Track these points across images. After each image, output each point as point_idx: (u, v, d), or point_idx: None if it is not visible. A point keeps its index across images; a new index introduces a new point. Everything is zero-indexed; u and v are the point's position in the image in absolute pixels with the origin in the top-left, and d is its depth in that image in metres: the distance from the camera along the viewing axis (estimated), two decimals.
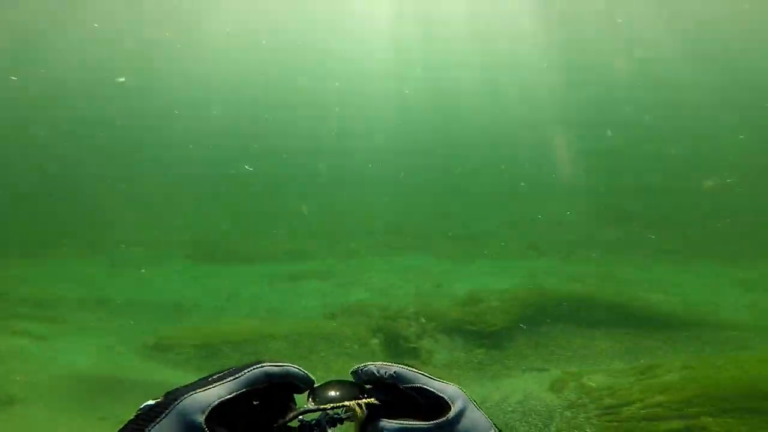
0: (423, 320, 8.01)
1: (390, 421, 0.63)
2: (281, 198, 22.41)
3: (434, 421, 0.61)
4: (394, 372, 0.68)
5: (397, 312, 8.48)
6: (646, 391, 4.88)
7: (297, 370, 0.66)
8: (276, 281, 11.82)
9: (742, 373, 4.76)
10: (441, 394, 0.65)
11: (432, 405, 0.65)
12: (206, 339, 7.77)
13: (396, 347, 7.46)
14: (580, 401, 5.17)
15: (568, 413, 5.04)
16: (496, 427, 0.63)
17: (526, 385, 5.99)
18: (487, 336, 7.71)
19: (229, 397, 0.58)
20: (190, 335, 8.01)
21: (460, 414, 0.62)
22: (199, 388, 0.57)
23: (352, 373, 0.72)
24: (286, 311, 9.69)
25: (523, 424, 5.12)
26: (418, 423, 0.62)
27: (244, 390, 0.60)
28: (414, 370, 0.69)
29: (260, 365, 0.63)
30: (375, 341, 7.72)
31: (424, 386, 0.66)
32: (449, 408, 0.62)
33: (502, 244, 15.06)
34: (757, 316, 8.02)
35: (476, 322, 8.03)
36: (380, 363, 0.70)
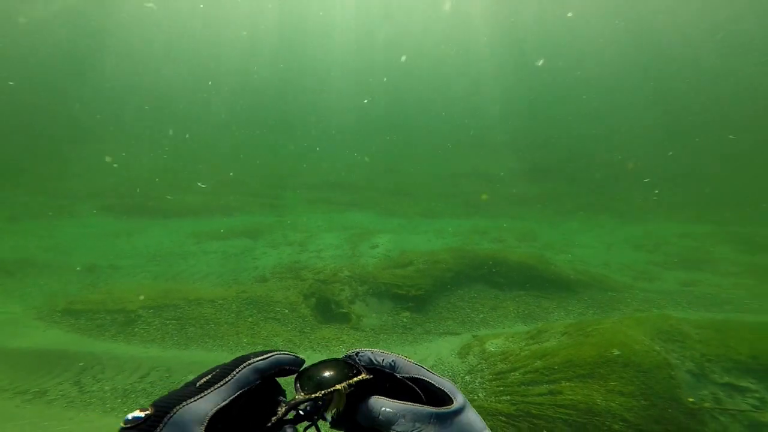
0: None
1: (389, 400, 0.60)
2: (212, 150, 20.82)
3: (438, 408, 0.59)
4: (393, 361, 0.66)
5: (332, 275, 8.36)
6: (530, 357, 5.25)
7: (284, 355, 0.64)
8: (203, 240, 11.05)
9: (601, 339, 5.12)
10: (441, 387, 0.63)
11: (430, 397, 0.62)
12: (122, 304, 7.19)
13: (327, 312, 7.43)
14: (479, 366, 5.52)
15: (467, 377, 5.39)
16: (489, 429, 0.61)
17: (439, 350, 6.32)
18: (413, 299, 7.90)
19: (224, 404, 0.55)
20: (105, 300, 7.39)
21: (462, 409, 0.60)
22: (191, 397, 0.53)
23: (346, 357, 0.68)
24: (212, 273, 9.14)
25: None
26: (419, 406, 0.59)
27: (239, 393, 0.57)
28: (412, 362, 0.66)
29: (248, 363, 0.60)
30: (306, 307, 7.55)
31: (424, 378, 0.64)
32: (451, 401, 0.61)
33: (438, 202, 15.53)
34: (635, 276, 9.16)
35: (405, 285, 8.14)
36: (377, 350, 0.68)
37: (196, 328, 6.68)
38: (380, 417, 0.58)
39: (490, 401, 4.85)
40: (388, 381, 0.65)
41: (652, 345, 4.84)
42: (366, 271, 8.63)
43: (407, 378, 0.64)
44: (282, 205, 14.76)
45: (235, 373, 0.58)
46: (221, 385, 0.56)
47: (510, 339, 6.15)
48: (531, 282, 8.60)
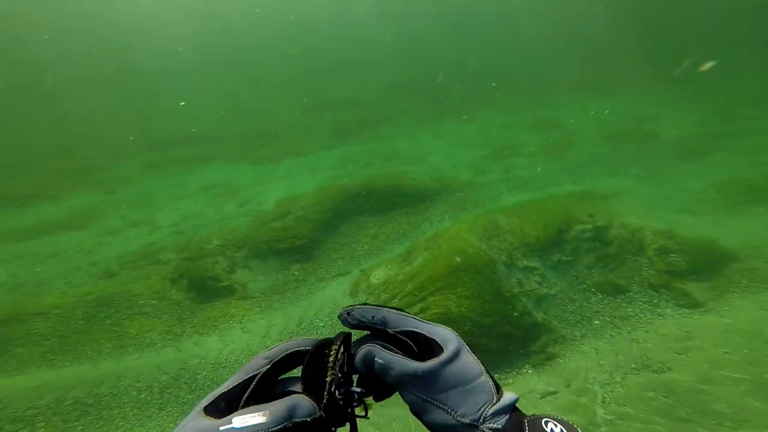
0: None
1: (380, 349, 0.60)
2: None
3: (426, 362, 0.57)
4: (383, 316, 0.65)
5: (199, 249, 7.49)
6: (404, 281, 5.92)
7: (292, 341, 0.64)
8: (14, 239, 8.72)
9: (448, 249, 5.84)
10: (432, 337, 0.61)
11: (424, 349, 0.61)
12: None
13: (204, 291, 6.81)
14: (367, 301, 5.90)
15: None
16: (489, 374, 0.58)
17: (333, 294, 6.42)
18: (300, 250, 7.72)
19: (227, 389, 0.57)
20: None
21: (453, 357, 0.58)
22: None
23: (338, 317, 0.68)
24: (28, 283, 7.34)
25: (333, 335, 5.93)
26: (407, 359, 0.59)
27: (248, 377, 0.59)
28: (403, 313, 0.65)
29: (258, 355, 0.62)
30: (178, 291, 6.69)
31: (415, 329, 0.62)
32: (441, 351, 0.59)
33: (307, 137, 14.96)
34: (474, 172, 10.97)
35: (287, 238, 7.80)
36: (368, 306, 0.67)
37: (29, 348, 5.66)
38: (375, 367, 0.60)
39: None
40: (379, 337, 0.64)
41: (481, 245, 6.13)
42: (240, 233, 7.99)
43: (399, 332, 0.63)
44: (112, 179, 12.22)
45: (242, 367, 0.60)
46: (226, 381, 0.58)
47: (389, 266, 6.56)
48: (400, 200, 9.19)
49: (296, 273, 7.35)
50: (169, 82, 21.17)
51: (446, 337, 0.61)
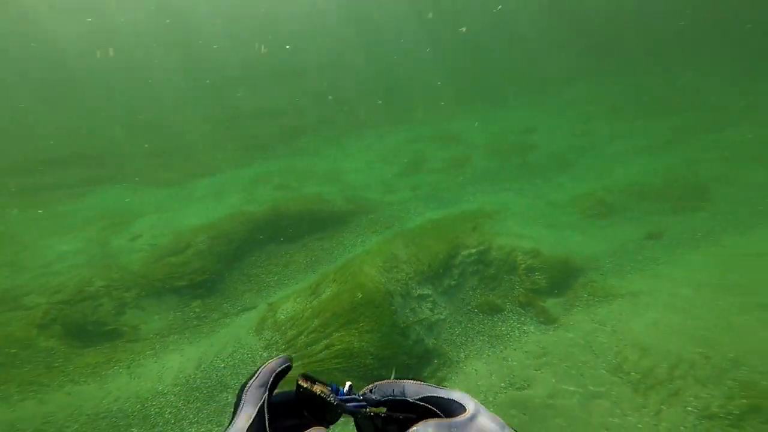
0: None
1: (426, 422, 0.61)
2: None
3: (455, 418, 0.60)
4: (402, 387, 0.68)
5: (78, 291, 6.53)
6: (311, 317, 5.84)
7: (273, 362, 0.67)
8: None
9: (352, 284, 5.90)
10: (450, 398, 0.64)
11: (445, 412, 0.63)
12: None
13: (84, 336, 5.99)
14: (273, 339, 5.71)
15: (265, 354, 5.53)
16: (510, 427, 0.61)
17: (237, 332, 5.98)
18: (201, 285, 7.08)
19: (249, 424, 0.58)
20: None
21: (475, 415, 0.61)
22: None
23: (361, 395, 0.69)
24: None
25: (235, 377, 5.17)
26: (445, 420, 0.60)
27: (258, 410, 0.60)
28: (419, 382, 0.68)
29: (247, 387, 0.63)
30: (48, 338, 5.81)
31: (433, 395, 0.65)
32: (464, 409, 0.62)
33: (214, 154, 13.83)
34: (384, 190, 11.22)
35: (186, 274, 7.14)
36: (385, 381, 0.69)
37: None
38: None
39: None
40: (402, 407, 0.67)
41: (380, 278, 6.31)
42: (130, 271, 7.08)
43: (419, 399, 0.66)
44: None
45: (242, 402, 0.61)
46: (236, 418, 0.59)
47: (297, 299, 6.31)
48: (314, 225, 8.95)
49: (197, 310, 6.76)
50: (50, 91, 17.89)
51: (463, 397, 0.64)
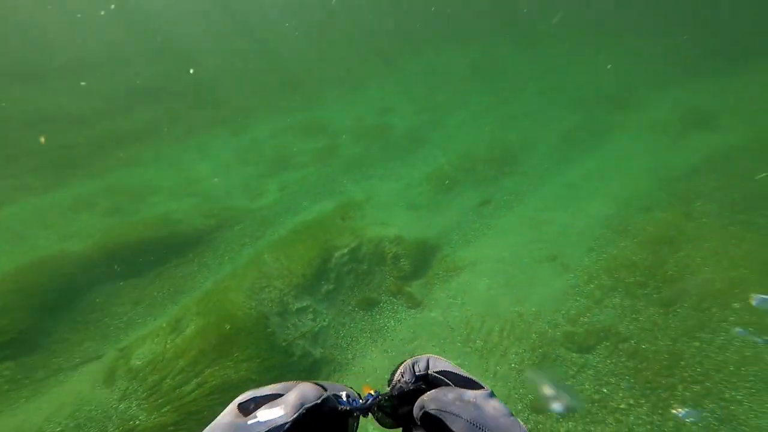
0: None
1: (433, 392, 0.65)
2: None
3: (474, 391, 0.64)
4: (427, 360, 0.74)
5: None
6: (174, 358, 5.06)
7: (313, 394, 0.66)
8: None
9: (218, 316, 5.30)
10: (469, 377, 0.69)
11: (459, 385, 0.67)
12: None
13: None
14: (130, 389, 4.85)
15: (122, 406, 4.68)
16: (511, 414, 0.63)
17: (78, 387, 4.95)
18: (8, 345, 5.61)
19: (263, 395, 0.65)
20: None
21: (493, 393, 0.65)
22: None
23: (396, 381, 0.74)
24: None
25: None
26: (458, 389, 0.65)
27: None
28: (442, 358, 0.74)
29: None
30: None
31: (452, 371, 0.71)
32: (481, 387, 0.66)
33: (14, 175, 9.90)
34: (252, 196, 10.12)
35: None
36: (411, 359, 0.75)
37: None
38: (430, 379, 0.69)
39: (154, 418, 4.57)
40: (422, 379, 0.70)
41: (250, 303, 5.70)
42: None
43: (438, 372, 0.70)
44: None
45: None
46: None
47: (155, 340, 5.46)
48: (166, 251, 7.61)
49: (7, 372, 5.39)
50: None
51: (480, 380, 0.69)
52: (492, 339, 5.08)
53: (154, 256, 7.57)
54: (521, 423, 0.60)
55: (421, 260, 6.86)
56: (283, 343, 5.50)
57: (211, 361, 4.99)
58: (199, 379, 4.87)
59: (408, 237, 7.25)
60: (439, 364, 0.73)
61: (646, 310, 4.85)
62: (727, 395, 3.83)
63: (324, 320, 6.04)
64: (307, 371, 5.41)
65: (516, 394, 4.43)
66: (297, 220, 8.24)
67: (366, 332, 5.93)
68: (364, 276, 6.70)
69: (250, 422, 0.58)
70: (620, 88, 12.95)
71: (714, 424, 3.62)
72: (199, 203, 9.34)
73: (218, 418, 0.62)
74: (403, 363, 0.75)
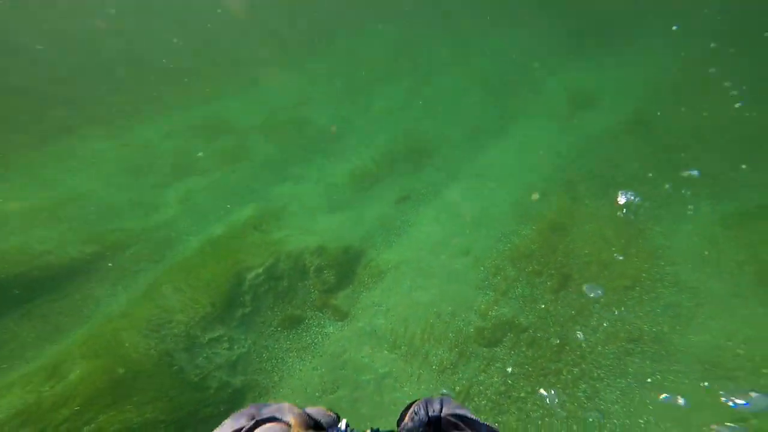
0: None
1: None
2: None
3: None
4: (441, 401, 0.72)
5: None
6: (56, 406, 4.27)
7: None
8: None
9: (107, 359, 4.62)
10: (484, 423, 0.67)
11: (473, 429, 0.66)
12: None
13: None
14: None
15: None
16: None
17: None
18: None
19: None
20: None
21: None
22: None
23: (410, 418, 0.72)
24: None
25: None
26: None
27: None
28: (456, 402, 0.73)
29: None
30: None
31: (466, 415, 0.68)
32: None
33: None
34: (146, 210, 8.61)
35: None
36: (424, 399, 0.74)
37: None
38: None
39: None
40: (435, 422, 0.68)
41: (148, 343, 4.94)
42: None
43: (450, 414, 0.68)
44: None
45: None
46: None
47: (27, 387, 4.53)
48: (33, 287, 6.26)
49: None
50: None
51: (492, 424, 0.68)
52: (415, 343, 5.18)
53: (16, 294, 6.10)
54: None
55: (346, 269, 6.65)
56: (196, 379, 4.92)
57: (105, 407, 4.39)
58: (92, 426, 4.24)
59: (331, 245, 6.93)
60: (453, 406, 0.70)
61: (542, 298, 5.42)
62: (594, 374, 4.49)
63: (243, 347, 5.50)
64: (228, 402, 4.93)
65: (437, 393, 4.61)
66: (203, 238, 7.27)
67: (292, 351, 5.57)
68: (285, 293, 6.24)
69: None
70: (519, 72, 13.66)
71: (584, 402, 4.22)
72: (70, 229, 7.56)
73: None
74: (415, 402, 0.72)
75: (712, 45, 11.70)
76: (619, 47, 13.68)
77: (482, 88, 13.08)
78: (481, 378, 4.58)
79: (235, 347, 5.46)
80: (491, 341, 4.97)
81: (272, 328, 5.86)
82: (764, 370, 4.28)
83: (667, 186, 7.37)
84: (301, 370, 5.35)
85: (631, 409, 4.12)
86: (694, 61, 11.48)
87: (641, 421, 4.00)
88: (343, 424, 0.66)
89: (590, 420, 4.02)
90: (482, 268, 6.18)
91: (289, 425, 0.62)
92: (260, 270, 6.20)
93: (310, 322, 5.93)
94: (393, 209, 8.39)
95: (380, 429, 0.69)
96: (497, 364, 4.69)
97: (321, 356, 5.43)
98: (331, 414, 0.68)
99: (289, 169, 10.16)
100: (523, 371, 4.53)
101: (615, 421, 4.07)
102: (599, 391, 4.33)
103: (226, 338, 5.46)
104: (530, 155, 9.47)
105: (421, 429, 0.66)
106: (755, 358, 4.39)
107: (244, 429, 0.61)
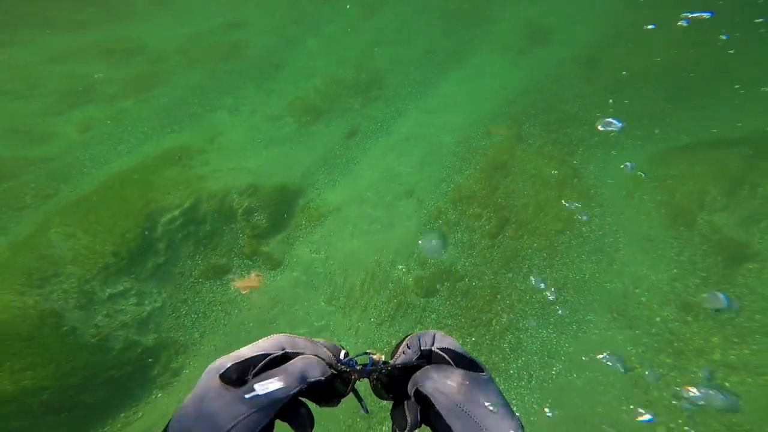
0: None
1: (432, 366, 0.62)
2: None
3: (475, 372, 0.61)
4: (434, 336, 0.69)
5: None
6: None
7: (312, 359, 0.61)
8: None
9: None
10: (471, 357, 0.65)
11: (459, 365, 0.63)
12: None
13: None
14: None
15: None
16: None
17: None
18: None
19: (244, 359, 0.57)
20: None
21: (491, 378, 0.62)
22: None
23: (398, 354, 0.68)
24: None
25: None
26: (456, 368, 0.61)
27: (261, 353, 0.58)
28: (448, 336, 0.69)
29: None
30: None
31: (455, 350, 0.66)
32: (482, 369, 0.62)
33: None
34: (25, 147, 6.79)
35: None
36: (416, 333, 0.70)
37: None
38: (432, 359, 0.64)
39: None
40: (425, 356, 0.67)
41: (25, 302, 4.03)
42: None
43: (440, 348, 0.66)
44: None
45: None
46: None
47: None
48: None
49: None
50: None
51: (480, 362, 0.64)
52: (354, 294, 4.80)
53: None
54: (515, 414, 0.56)
55: (281, 211, 5.86)
56: (93, 340, 4.21)
57: None
58: None
59: (265, 184, 6.01)
60: (444, 340, 0.67)
61: (479, 243, 5.18)
62: (520, 324, 4.46)
63: (155, 301, 4.77)
64: (136, 363, 4.35)
65: (377, 346, 4.37)
66: (109, 171, 5.95)
67: (216, 305, 4.96)
68: (209, 239, 5.40)
69: (247, 396, 0.51)
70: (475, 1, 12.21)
71: (508, 354, 4.22)
72: None
73: (199, 392, 0.52)
74: (408, 336, 0.69)
75: None
76: None
77: (439, 14, 11.50)
78: (417, 329, 4.38)
79: (146, 302, 4.71)
80: (429, 291, 4.73)
81: (192, 280, 5.13)
82: (657, 319, 4.51)
83: (600, 127, 7.17)
84: (225, 325, 4.82)
85: (548, 359, 4.20)
86: None
87: (553, 372, 4.11)
88: (342, 354, 0.66)
89: (511, 372, 4.05)
90: (425, 212, 5.75)
91: (321, 359, 0.60)
92: (177, 212, 5.22)
93: (237, 271, 5.26)
94: (339, 145, 7.44)
95: (384, 360, 0.67)
96: (433, 315, 4.50)
97: (249, 310, 4.90)
98: (336, 346, 0.67)
99: (220, 98, 8.50)
100: (456, 322, 4.40)
101: (532, 372, 4.13)
102: (522, 342, 4.34)
103: (133, 292, 4.66)
104: (480, 90, 8.72)
105: (414, 361, 0.64)
106: (653, 305, 4.60)
107: (272, 356, 0.57)
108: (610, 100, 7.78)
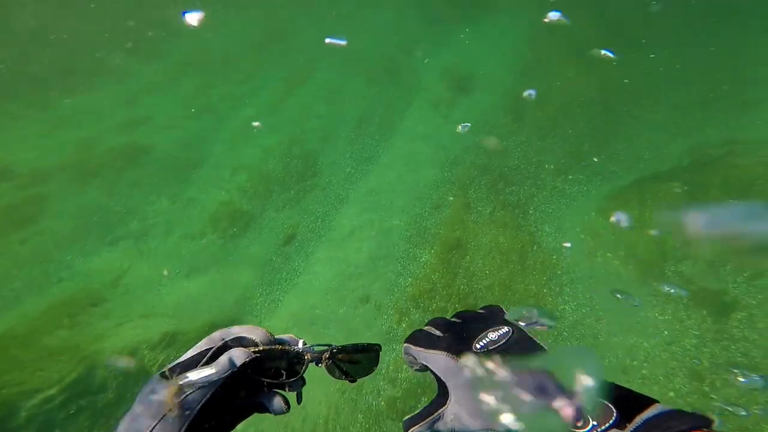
0: None
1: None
2: None
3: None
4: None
5: None
6: None
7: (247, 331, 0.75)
8: None
9: None
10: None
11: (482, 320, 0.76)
12: None
13: None
14: None
15: None
16: None
17: None
18: None
19: (189, 358, 0.69)
20: None
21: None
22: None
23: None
24: None
25: None
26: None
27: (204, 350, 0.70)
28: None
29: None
30: None
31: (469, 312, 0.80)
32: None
33: None
34: None
35: None
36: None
37: None
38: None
39: None
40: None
41: None
42: None
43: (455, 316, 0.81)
44: None
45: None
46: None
47: None
48: None
49: None
50: None
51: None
52: None
53: None
54: None
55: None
56: None
57: None
58: None
59: (186, 328, 5.47)
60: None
61: None
62: None
63: None
64: None
65: None
66: None
67: None
68: (113, 408, 4.57)
69: (181, 382, 0.62)
70: (398, 51, 12.54)
71: None
72: None
73: (144, 391, 0.63)
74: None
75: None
76: (484, 13, 12.94)
77: (365, 78, 12.04)
78: None
79: None
80: (405, 412, 4.38)
81: None
82: (671, 394, 4.44)
83: (548, 179, 7.91)
84: None
85: None
86: (559, 28, 12.09)
87: None
88: (300, 344, 0.77)
89: None
90: (386, 317, 5.63)
91: (255, 343, 0.72)
92: (54, 390, 4.40)
93: None
94: (276, 255, 7.25)
95: (334, 345, 0.79)
96: None
97: None
98: (295, 338, 0.79)
99: (124, 222, 8.00)
100: None
101: None
102: None
103: None
104: (420, 154, 8.99)
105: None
106: (659, 377, 4.65)
107: (212, 349, 0.69)
108: (547, 147, 8.49)
